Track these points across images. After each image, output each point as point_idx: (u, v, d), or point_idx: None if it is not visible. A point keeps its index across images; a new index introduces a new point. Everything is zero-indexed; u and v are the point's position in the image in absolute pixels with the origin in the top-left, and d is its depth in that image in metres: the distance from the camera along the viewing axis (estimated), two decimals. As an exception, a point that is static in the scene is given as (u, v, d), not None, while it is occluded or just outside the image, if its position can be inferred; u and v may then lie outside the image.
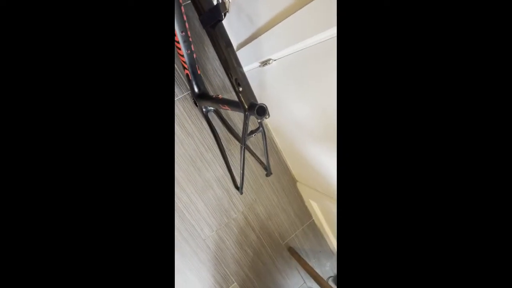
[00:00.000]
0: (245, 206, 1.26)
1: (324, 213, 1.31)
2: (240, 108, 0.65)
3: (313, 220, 1.42)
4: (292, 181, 1.34)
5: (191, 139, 1.09)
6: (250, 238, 1.30)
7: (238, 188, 1.06)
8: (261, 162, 1.04)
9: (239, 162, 1.19)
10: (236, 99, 0.66)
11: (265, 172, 1.05)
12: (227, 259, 1.26)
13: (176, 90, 1.03)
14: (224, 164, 1.10)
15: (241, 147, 0.74)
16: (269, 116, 0.60)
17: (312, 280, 1.39)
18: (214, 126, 1.07)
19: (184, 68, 0.89)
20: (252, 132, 0.72)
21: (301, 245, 1.43)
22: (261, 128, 0.72)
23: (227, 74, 0.63)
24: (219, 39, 0.59)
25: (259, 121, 0.66)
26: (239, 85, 0.60)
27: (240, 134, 1.15)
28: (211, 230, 1.21)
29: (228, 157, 1.10)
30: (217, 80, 1.10)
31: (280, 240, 1.37)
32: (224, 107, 0.78)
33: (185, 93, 1.04)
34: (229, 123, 1.08)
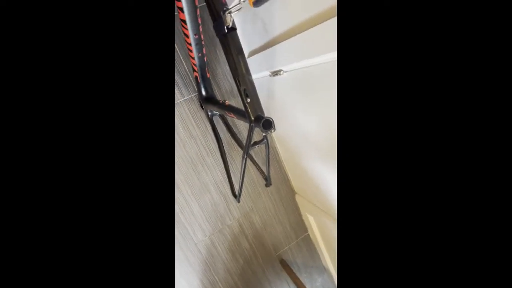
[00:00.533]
0: (241, 213, 1.24)
1: (320, 228, 1.28)
2: (246, 119, 0.64)
3: (308, 234, 1.40)
4: (291, 192, 1.32)
5: (194, 141, 1.08)
6: (242, 246, 1.28)
7: (236, 195, 1.05)
8: (261, 172, 1.02)
9: (239, 169, 1.17)
10: (242, 107, 0.64)
11: (265, 182, 1.03)
12: (217, 266, 1.24)
13: (183, 91, 1.02)
14: (224, 170, 1.09)
15: (243, 157, 0.73)
16: (274, 130, 0.58)
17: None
18: (218, 131, 1.05)
19: (194, 70, 0.88)
20: (255, 143, 0.70)
21: (294, 258, 1.40)
22: (265, 140, 0.70)
23: (236, 81, 0.61)
24: (230, 46, 0.58)
25: (264, 134, 0.64)
26: (247, 96, 0.59)
27: (244, 141, 1.14)
28: (204, 235, 1.19)
29: (229, 163, 1.09)
30: (226, 85, 1.09)
31: (273, 251, 1.35)
32: (230, 115, 0.76)
33: (192, 95, 1.03)
34: (234, 129, 1.07)
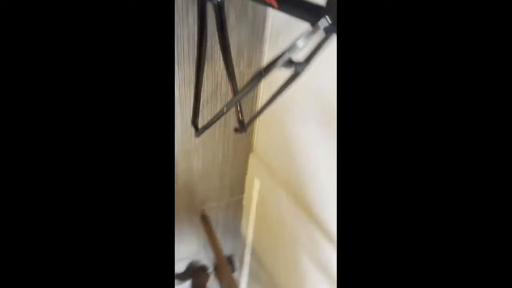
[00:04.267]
0: (183, 150, 0.97)
1: (262, 196, 1.14)
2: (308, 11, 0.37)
3: (243, 198, 1.25)
4: (248, 149, 1.12)
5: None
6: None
7: (197, 127, 0.77)
8: (240, 112, 0.76)
9: (208, 92, 0.88)
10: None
11: (236, 127, 0.79)
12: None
13: None
14: (194, 88, 0.77)
15: (257, 74, 0.46)
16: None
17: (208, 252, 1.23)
18: (206, 28, 0.70)
19: None
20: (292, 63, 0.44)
21: (216, 217, 1.24)
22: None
23: None
24: None
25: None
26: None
27: (238, 58, 0.83)
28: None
29: (203, 82, 0.78)
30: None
31: (198, 203, 1.15)
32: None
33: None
34: (227, 32, 0.72)
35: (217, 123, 0.72)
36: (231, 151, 1.08)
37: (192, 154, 1.00)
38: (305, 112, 0.82)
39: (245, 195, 1.24)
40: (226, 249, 1.31)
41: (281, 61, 0.42)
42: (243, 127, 0.77)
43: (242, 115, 0.76)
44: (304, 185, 0.88)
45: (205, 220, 1.17)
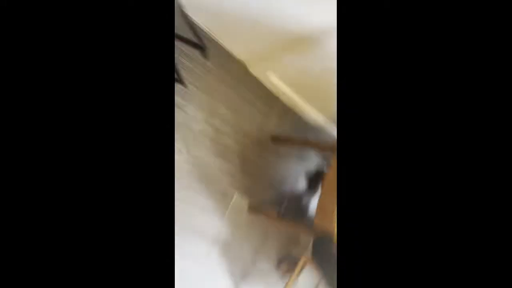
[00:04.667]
0: (204, 112, 1.10)
1: (285, 75, 1.17)
2: None
3: (282, 101, 1.31)
4: (243, 67, 1.17)
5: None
6: (228, 145, 1.17)
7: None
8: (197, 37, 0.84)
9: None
10: None
11: (201, 50, 0.86)
12: (215, 176, 1.15)
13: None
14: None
15: None
16: None
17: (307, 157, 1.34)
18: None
19: None
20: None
21: (283, 129, 1.33)
22: None
23: None
24: None
25: None
26: None
27: None
28: (180, 152, 1.05)
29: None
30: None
31: (259, 133, 1.26)
32: None
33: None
34: None
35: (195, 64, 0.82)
36: (233, 80, 1.15)
37: (213, 107, 1.12)
38: None
39: (281, 97, 1.30)
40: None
41: None
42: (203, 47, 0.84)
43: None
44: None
45: (275, 139, 1.28)
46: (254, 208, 1.23)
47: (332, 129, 1.43)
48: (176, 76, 0.89)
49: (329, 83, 1.05)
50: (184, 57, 1.00)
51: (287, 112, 1.34)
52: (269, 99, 1.27)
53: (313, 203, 1.45)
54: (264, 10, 0.79)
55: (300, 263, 1.11)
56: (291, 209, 1.36)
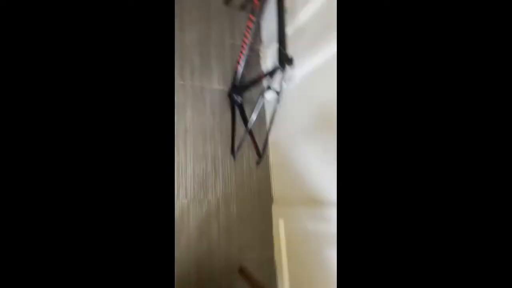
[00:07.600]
0: (223, 195, 1.34)
1: (288, 235, 1.32)
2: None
3: (274, 254, 1.40)
4: (269, 200, 1.45)
5: (213, 117, 1.38)
6: (211, 231, 1.29)
7: (234, 153, 1.25)
8: (257, 150, 1.27)
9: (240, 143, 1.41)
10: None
11: (257, 160, 1.25)
12: (181, 235, 1.22)
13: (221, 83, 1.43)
14: (230, 137, 1.34)
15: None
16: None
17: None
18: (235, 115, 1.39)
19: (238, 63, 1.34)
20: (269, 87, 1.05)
21: (252, 270, 1.34)
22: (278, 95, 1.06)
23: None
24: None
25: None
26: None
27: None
28: (185, 197, 1.26)
29: (236, 130, 1.36)
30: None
31: (237, 254, 1.32)
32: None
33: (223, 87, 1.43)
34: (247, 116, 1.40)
35: (242, 174, 1.24)
36: (257, 201, 1.42)
37: (229, 200, 1.36)
38: (304, 132, 1.29)
39: (275, 247, 1.40)
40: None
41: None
42: (260, 156, 1.25)
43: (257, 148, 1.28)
44: (317, 195, 1.18)
45: (243, 270, 1.28)
46: None
47: None
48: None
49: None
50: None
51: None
52: (266, 242, 1.40)
53: None
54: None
55: None
56: None
